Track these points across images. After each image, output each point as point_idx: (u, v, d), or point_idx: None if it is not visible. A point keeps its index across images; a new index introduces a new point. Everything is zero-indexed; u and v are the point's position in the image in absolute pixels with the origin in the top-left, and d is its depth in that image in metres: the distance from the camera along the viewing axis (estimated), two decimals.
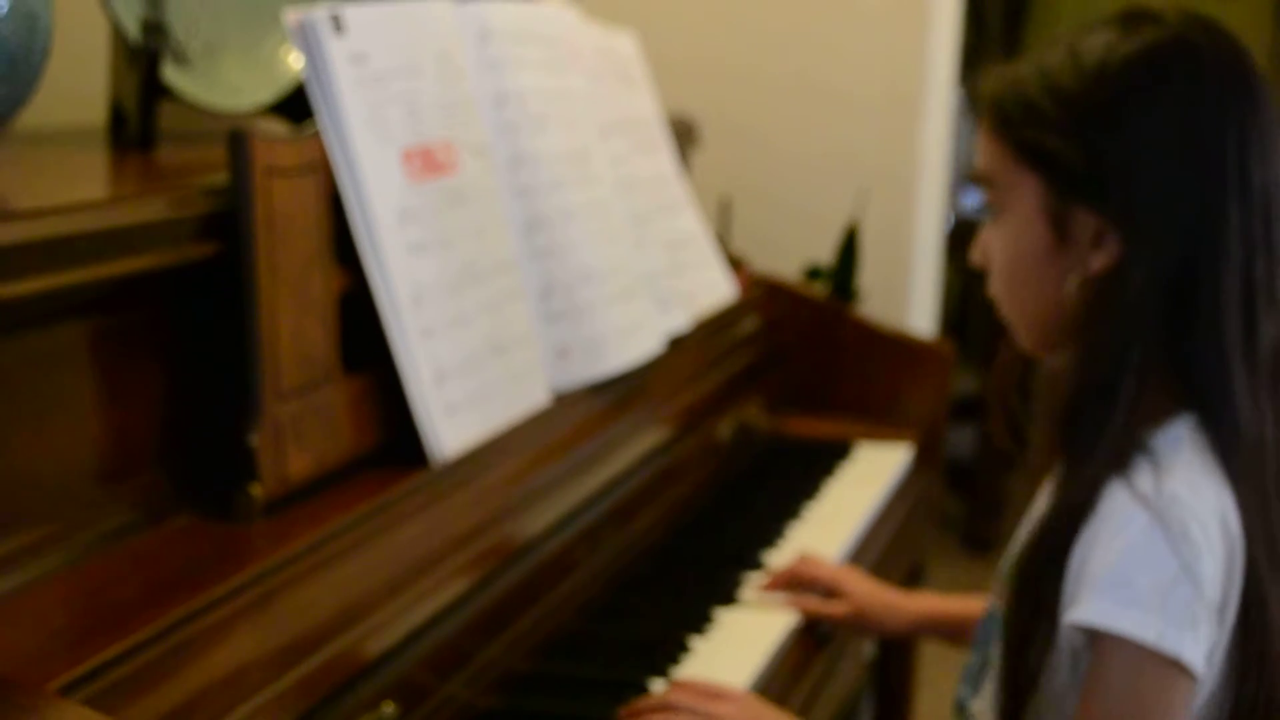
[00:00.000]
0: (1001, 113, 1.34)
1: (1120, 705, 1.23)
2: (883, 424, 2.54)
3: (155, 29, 1.69)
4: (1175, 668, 1.22)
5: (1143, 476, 1.25)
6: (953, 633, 1.72)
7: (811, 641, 1.76)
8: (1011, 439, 1.42)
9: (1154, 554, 1.22)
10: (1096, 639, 1.24)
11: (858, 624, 1.78)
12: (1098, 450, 1.26)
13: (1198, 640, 1.22)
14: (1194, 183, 1.27)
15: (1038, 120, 1.31)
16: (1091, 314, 1.29)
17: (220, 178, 1.32)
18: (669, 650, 1.61)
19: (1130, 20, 1.31)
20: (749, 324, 2.40)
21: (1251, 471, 1.28)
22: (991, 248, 1.38)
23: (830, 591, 1.78)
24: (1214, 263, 1.27)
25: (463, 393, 1.51)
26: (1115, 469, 1.26)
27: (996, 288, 1.39)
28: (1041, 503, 1.37)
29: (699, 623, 1.69)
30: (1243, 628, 1.27)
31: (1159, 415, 1.28)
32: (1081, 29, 1.34)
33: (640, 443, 1.89)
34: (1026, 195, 1.32)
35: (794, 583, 1.80)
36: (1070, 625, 1.25)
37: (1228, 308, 1.27)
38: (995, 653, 1.36)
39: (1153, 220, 1.27)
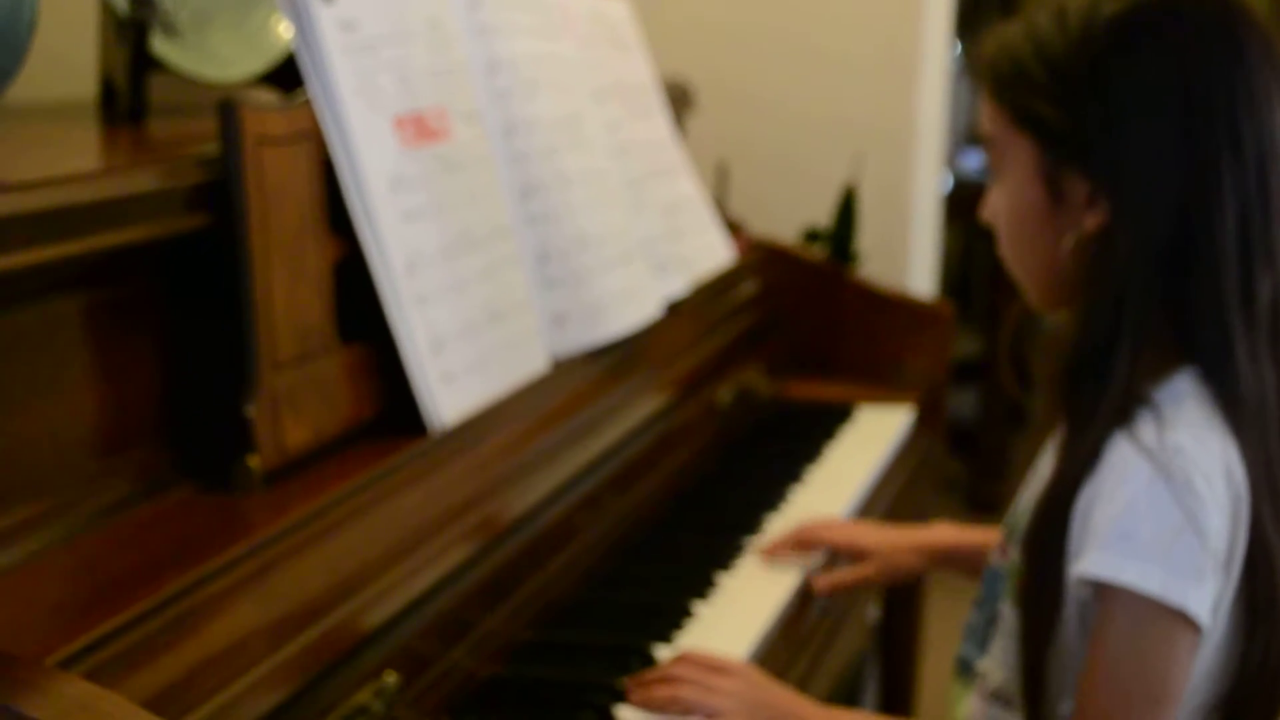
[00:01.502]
0: (997, 75, 1.35)
1: (1126, 656, 1.24)
2: (884, 386, 2.54)
3: (144, 1, 1.68)
4: (1180, 619, 1.22)
5: (1146, 429, 1.25)
6: (970, 565, 1.71)
7: (813, 608, 1.76)
8: (1020, 393, 1.44)
9: (1158, 505, 1.22)
10: (1102, 591, 1.24)
11: (888, 578, 1.78)
12: (1100, 407, 1.27)
13: (1203, 592, 1.22)
14: (1182, 143, 1.27)
15: (1028, 84, 1.32)
16: (1088, 273, 1.30)
17: (211, 148, 1.31)
18: (671, 616, 1.61)
19: None
20: (748, 288, 2.40)
21: (1253, 427, 1.28)
22: (996, 207, 1.39)
23: (852, 556, 1.78)
24: (1208, 222, 1.26)
25: (460, 360, 1.51)
26: (1118, 423, 1.26)
27: (1002, 247, 1.40)
28: (1045, 461, 1.37)
29: (701, 588, 1.69)
30: (1249, 581, 1.27)
31: (1161, 370, 1.28)
32: None
33: (640, 409, 1.88)
34: (1022, 157, 1.33)
35: (797, 546, 1.79)
36: (1076, 578, 1.25)
37: (1224, 265, 1.27)
38: (1004, 609, 1.37)
39: (1140, 182, 1.27)
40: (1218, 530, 1.24)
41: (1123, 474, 1.24)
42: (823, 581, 1.75)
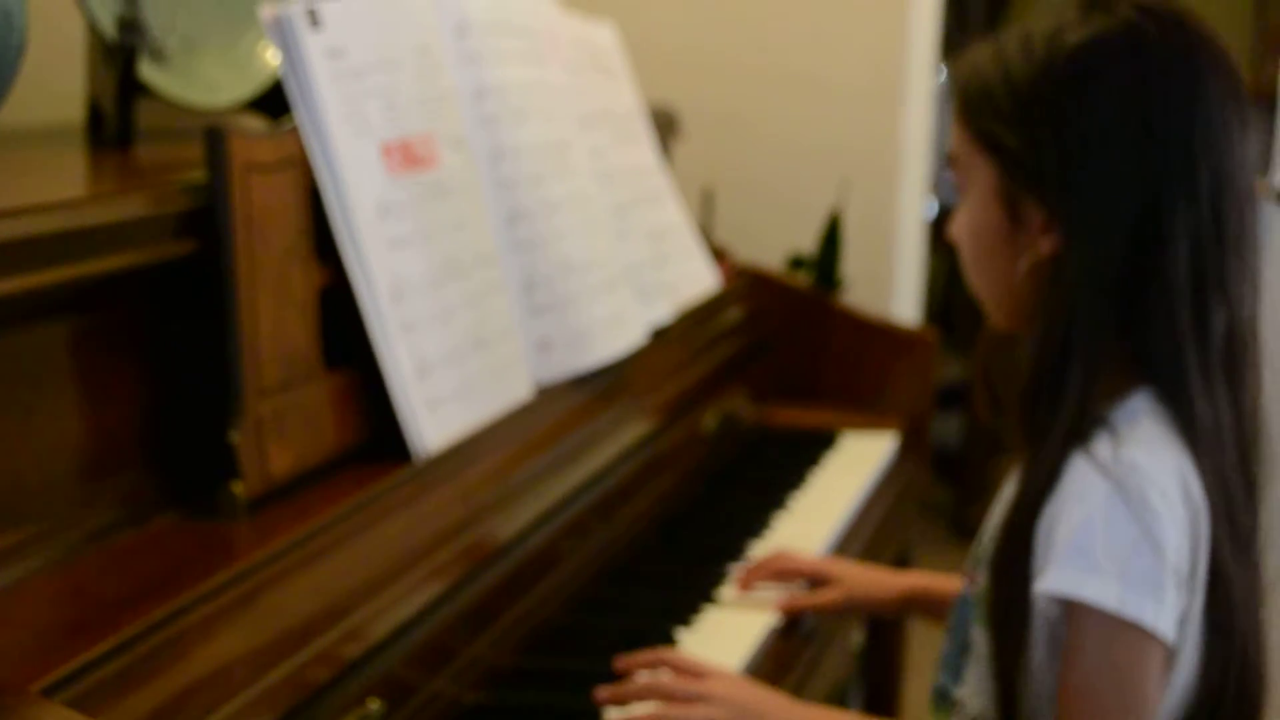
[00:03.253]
0: (964, 96, 1.36)
1: (1097, 673, 1.25)
2: (868, 413, 2.54)
3: (132, 26, 1.69)
4: (1144, 634, 1.23)
5: (1102, 447, 1.26)
6: (941, 611, 1.72)
7: (797, 633, 1.76)
8: (995, 420, 1.44)
9: (1114, 521, 1.23)
10: (1069, 610, 1.25)
11: (849, 606, 1.78)
12: (1054, 427, 1.28)
13: (1162, 606, 1.23)
14: (1136, 176, 1.27)
15: (991, 107, 1.33)
16: (1041, 297, 1.31)
17: (199, 175, 1.32)
18: (655, 643, 1.60)
19: (1086, 7, 1.31)
20: (733, 314, 2.40)
21: (1208, 453, 1.29)
22: (959, 227, 1.40)
23: (816, 582, 1.78)
24: (1160, 254, 1.27)
25: (445, 387, 1.51)
26: (1075, 443, 1.27)
27: (964, 266, 1.41)
28: (1009, 488, 1.38)
29: (685, 615, 1.69)
30: (1209, 600, 1.28)
31: (1117, 390, 1.30)
32: (1042, 14, 1.34)
33: (624, 435, 1.89)
34: (983, 179, 1.35)
35: (772, 576, 1.79)
36: (1039, 595, 1.26)
37: (1178, 297, 1.27)
38: (976, 636, 1.37)
39: (1092, 212, 1.28)
40: (1176, 546, 1.25)
41: (1079, 491, 1.25)
42: (783, 600, 1.75)
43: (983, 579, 1.36)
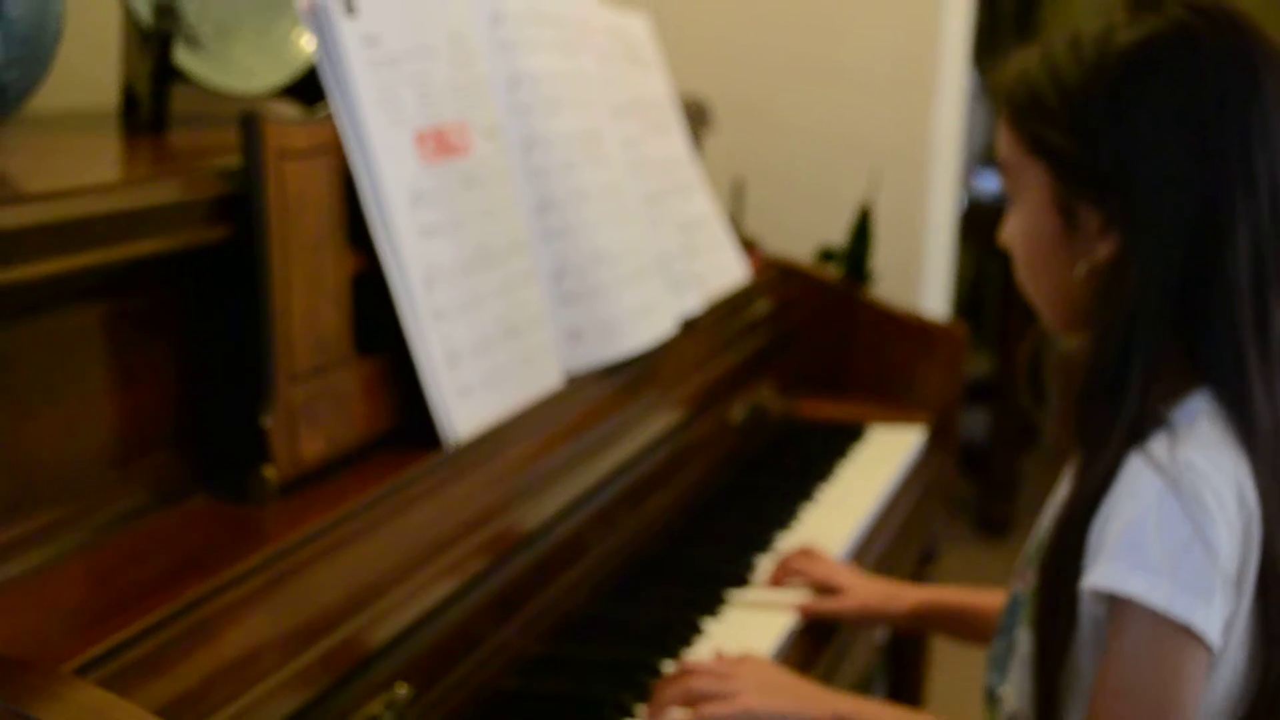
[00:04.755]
0: (1013, 102, 1.35)
1: (1137, 671, 1.24)
2: (896, 406, 2.54)
3: (167, 12, 1.69)
4: (1189, 635, 1.22)
5: (1159, 446, 1.26)
6: (955, 624, 1.71)
7: (822, 627, 1.76)
8: (1036, 414, 1.44)
9: (1167, 519, 1.22)
10: (1114, 605, 1.24)
11: (862, 617, 1.77)
12: (1114, 429, 1.27)
13: (1211, 609, 1.22)
14: (1194, 176, 1.27)
15: (1042, 113, 1.32)
16: (1100, 301, 1.30)
17: (233, 160, 1.32)
18: (681, 632, 1.61)
19: (1135, 8, 1.31)
20: (762, 306, 2.40)
21: (1266, 453, 1.28)
22: (1012, 233, 1.39)
23: (829, 589, 1.77)
24: (1220, 255, 1.26)
25: (475, 375, 1.52)
26: (1133, 443, 1.26)
27: (1018, 271, 1.40)
28: (1064, 488, 1.38)
29: (712, 605, 1.70)
30: (1261, 606, 1.27)
31: (1176, 391, 1.29)
32: (1091, 16, 1.34)
33: (653, 425, 1.89)
34: (1036, 184, 1.34)
35: (796, 574, 1.79)
36: (1087, 590, 1.25)
37: (1238, 297, 1.27)
38: (1021, 636, 1.37)
39: (1152, 216, 1.27)
40: (1227, 548, 1.24)
41: (1134, 488, 1.25)
42: (804, 605, 1.74)
43: (1033, 578, 1.35)
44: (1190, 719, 1.25)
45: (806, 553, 1.81)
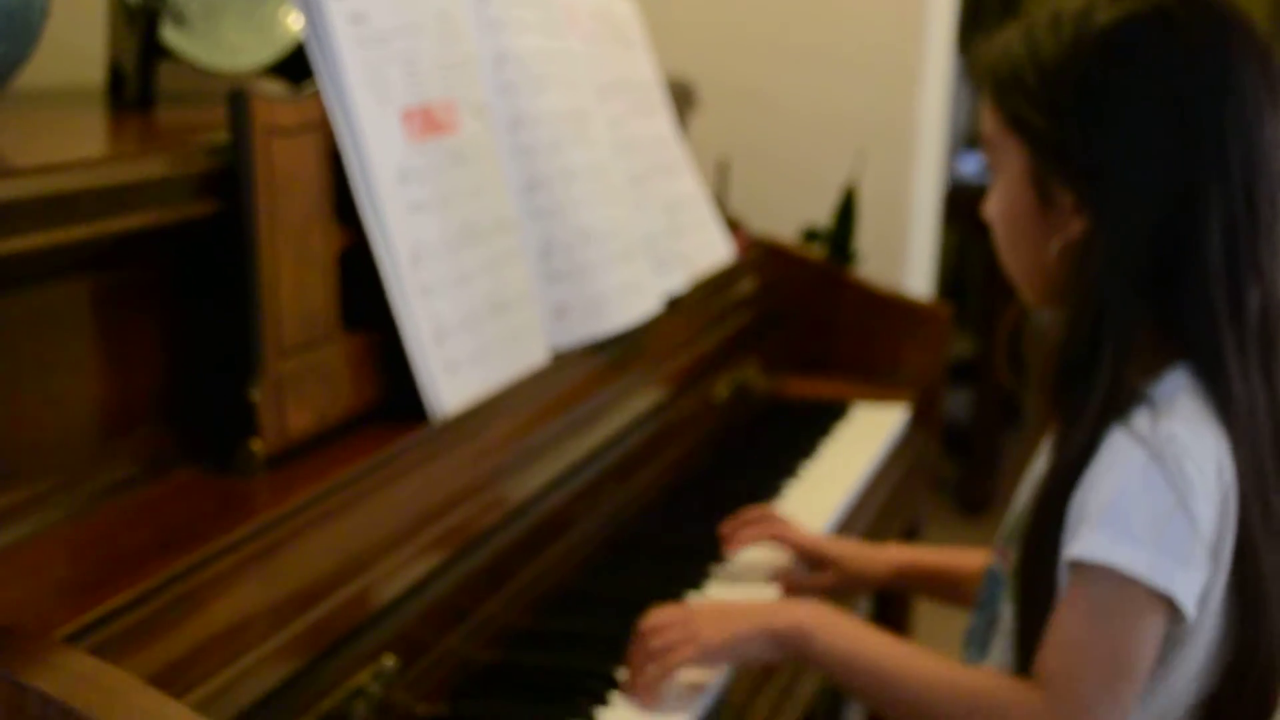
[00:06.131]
0: (995, 78, 1.36)
1: (1095, 626, 1.24)
2: (880, 385, 2.55)
3: None
4: (1158, 599, 1.23)
5: (1140, 419, 1.27)
6: (934, 585, 1.72)
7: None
8: (1016, 386, 1.45)
9: (1150, 489, 1.23)
10: (1081, 568, 1.25)
11: (842, 586, 1.77)
12: (1089, 403, 1.28)
13: (1189, 577, 1.23)
14: (1166, 158, 1.27)
15: (1021, 90, 1.33)
16: (1072, 278, 1.31)
17: (220, 137, 1.33)
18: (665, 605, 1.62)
19: None
20: (747, 285, 2.41)
21: (1244, 433, 1.29)
22: (992, 207, 1.40)
23: (811, 564, 1.77)
24: (1194, 237, 1.27)
25: (463, 351, 1.53)
26: (1114, 417, 1.27)
27: (998, 245, 1.42)
28: (1040, 461, 1.39)
29: (695, 578, 1.71)
30: (1235, 579, 1.29)
31: (1154, 366, 1.30)
32: None
33: (638, 402, 1.90)
34: (1014, 160, 1.35)
35: (769, 538, 1.78)
36: (1068, 562, 1.26)
37: (1213, 279, 1.28)
38: (1004, 611, 1.38)
39: (1119, 196, 1.28)
40: (1208, 517, 1.25)
41: (1116, 460, 1.26)
42: (776, 578, 1.75)
43: (1013, 554, 1.36)
44: (1141, 680, 1.26)
45: (779, 521, 1.80)
